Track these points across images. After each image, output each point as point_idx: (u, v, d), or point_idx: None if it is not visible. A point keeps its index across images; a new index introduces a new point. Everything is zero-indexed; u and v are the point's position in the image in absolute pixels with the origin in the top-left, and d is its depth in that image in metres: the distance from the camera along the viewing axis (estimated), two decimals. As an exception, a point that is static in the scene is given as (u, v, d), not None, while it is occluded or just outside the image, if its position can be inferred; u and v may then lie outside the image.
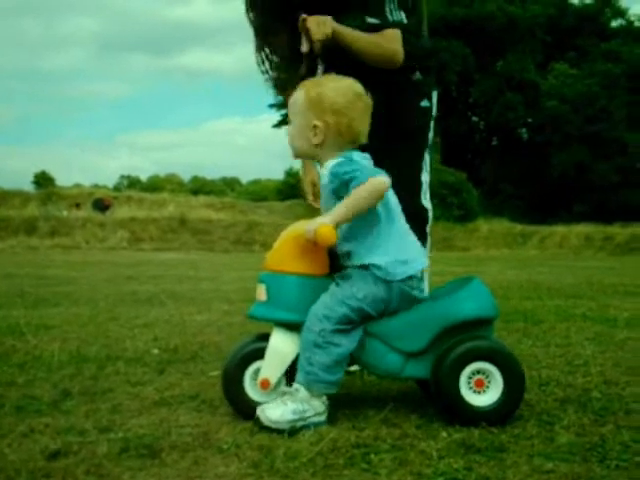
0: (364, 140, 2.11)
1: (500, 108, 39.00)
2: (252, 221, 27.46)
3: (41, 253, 18.76)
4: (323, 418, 1.95)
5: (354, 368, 2.44)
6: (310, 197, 2.77)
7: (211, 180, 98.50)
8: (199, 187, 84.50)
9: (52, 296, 5.95)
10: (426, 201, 2.71)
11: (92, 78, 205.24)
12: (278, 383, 2.04)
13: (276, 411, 1.90)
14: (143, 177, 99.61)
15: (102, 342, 3.42)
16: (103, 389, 2.42)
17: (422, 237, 2.71)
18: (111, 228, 24.36)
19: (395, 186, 2.65)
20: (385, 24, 2.48)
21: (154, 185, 78.14)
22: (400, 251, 2.04)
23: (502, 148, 42.54)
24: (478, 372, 1.96)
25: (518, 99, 38.84)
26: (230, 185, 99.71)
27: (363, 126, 2.08)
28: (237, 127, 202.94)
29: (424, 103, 2.69)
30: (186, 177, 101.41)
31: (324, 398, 1.97)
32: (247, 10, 2.71)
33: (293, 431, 1.88)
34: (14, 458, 1.66)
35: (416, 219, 2.69)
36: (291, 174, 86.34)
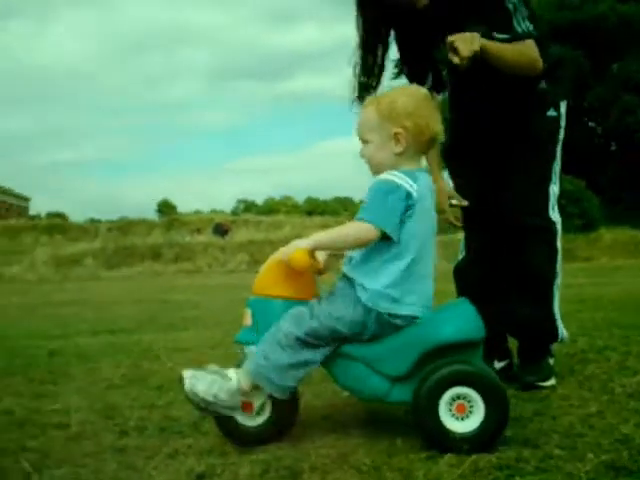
0: (442, 138, 2.08)
1: (618, 112, 37.31)
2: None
3: (166, 278, 19.55)
4: (232, 413, 1.97)
5: None
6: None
7: (324, 201, 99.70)
8: (313, 208, 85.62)
9: (180, 320, 6.17)
10: (554, 214, 2.63)
11: (205, 107, 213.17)
12: (260, 406, 2.05)
13: (201, 386, 1.94)
14: (259, 200, 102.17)
15: (234, 365, 3.50)
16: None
17: (552, 251, 2.63)
18: (231, 251, 25.06)
19: (523, 199, 2.60)
20: (516, 37, 2.44)
21: (270, 208, 79.91)
22: (397, 287, 1.96)
23: (621, 153, 40.61)
24: (459, 397, 1.89)
25: (637, 102, 37.03)
26: (343, 205, 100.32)
27: (439, 124, 2.05)
28: (347, 147, 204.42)
29: (550, 112, 2.62)
30: (300, 199, 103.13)
31: (244, 398, 1.98)
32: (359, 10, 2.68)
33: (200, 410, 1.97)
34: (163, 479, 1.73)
35: (545, 233, 2.62)
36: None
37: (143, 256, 23.56)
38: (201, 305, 8.30)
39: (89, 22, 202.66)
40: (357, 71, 2.71)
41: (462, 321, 2.00)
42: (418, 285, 2.00)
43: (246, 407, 2.03)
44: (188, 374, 1.98)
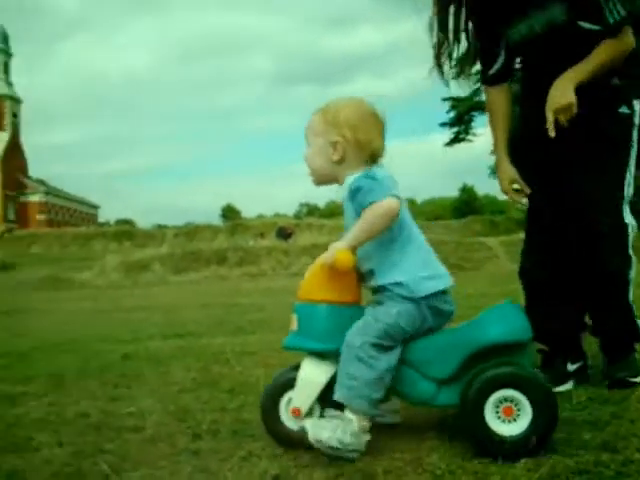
0: (382, 155, 2.10)
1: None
2: (430, 240, 27.01)
3: (231, 282, 19.79)
4: (356, 456, 1.89)
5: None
6: (512, 197, 2.70)
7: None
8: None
9: (247, 323, 6.23)
10: (628, 216, 2.54)
11: (265, 112, 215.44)
12: (309, 411, 2.03)
13: (325, 432, 1.89)
14: (321, 204, 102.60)
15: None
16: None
17: (624, 256, 2.53)
18: (294, 255, 25.20)
19: (595, 200, 2.51)
20: (608, 29, 2.38)
21: (332, 211, 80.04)
22: (423, 267, 2.01)
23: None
24: (506, 400, 1.86)
25: None
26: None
27: (380, 141, 2.09)
28: (408, 148, 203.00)
29: (623, 109, 2.53)
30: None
31: (368, 437, 1.93)
32: None
33: (328, 457, 1.88)
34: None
35: (619, 234, 2.52)
36: (465, 190, 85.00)
37: (209, 261, 23.92)
38: (266, 308, 8.37)
39: (152, 31, 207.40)
40: (434, 33, 2.68)
41: (508, 322, 1.98)
42: (433, 258, 2.08)
43: (295, 412, 2.04)
44: (309, 423, 1.96)
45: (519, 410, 1.86)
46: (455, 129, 35.83)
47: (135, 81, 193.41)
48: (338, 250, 1.95)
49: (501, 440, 1.83)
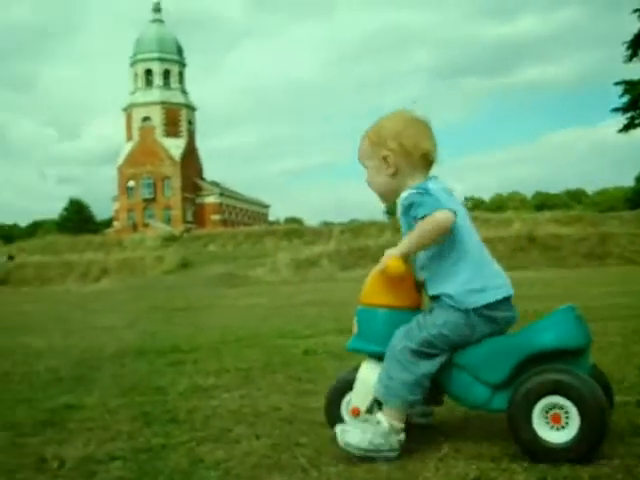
0: (434, 158, 2.15)
1: None
2: (604, 233, 25.73)
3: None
4: (394, 454, 1.96)
5: None
6: None
7: (555, 194, 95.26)
8: (542, 202, 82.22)
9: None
10: None
11: (428, 107, 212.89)
12: (369, 410, 2.10)
13: (355, 437, 1.97)
14: (486, 197, 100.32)
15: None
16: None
17: None
18: (460, 250, 24.82)
19: None
20: None
21: (497, 204, 78.12)
22: (474, 280, 2.01)
23: None
24: (555, 407, 1.84)
25: None
26: (575, 197, 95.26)
27: (429, 142, 2.14)
28: (577, 136, 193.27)
29: None
30: (528, 193, 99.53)
31: (402, 436, 1.99)
32: None
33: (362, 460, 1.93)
34: (438, 483, 1.73)
35: None
36: (641, 180, 79.40)
37: (374, 257, 24.06)
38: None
39: (314, 35, 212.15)
40: None
41: (563, 329, 1.96)
42: (490, 270, 2.07)
43: (354, 412, 2.13)
44: (339, 428, 2.04)
45: (567, 417, 1.83)
46: (629, 114, 33.62)
47: (300, 84, 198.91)
48: (389, 257, 2.02)
49: (548, 446, 1.82)
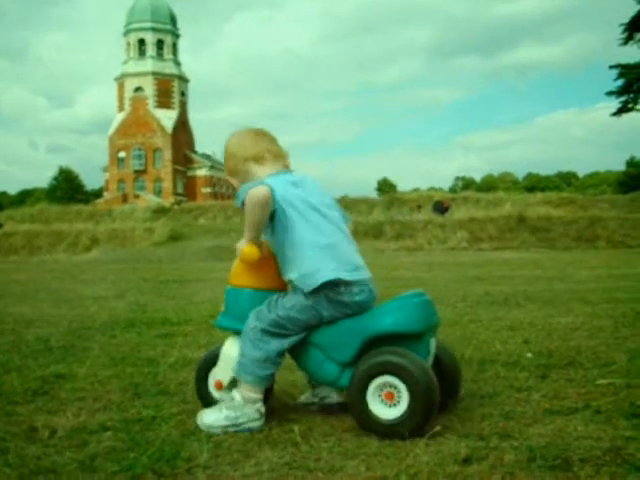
0: (270, 154, 2.35)
1: None
2: (594, 216, 25.87)
3: (388, 255, 19.88)
4: (257, 424, 2.10)
5: None
6: None
7: (546, 176, 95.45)
8: (534, 184, 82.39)
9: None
10: None
11: (424, 86, 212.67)
12: (231, 383, 2.23)
13: (210, 416, 2.11)
14: (477, 177, 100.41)
15: (474, 344, 3.46)
16: (489, 393, 2.44)
17: None
18: (451, 229, 24.88)
19: None
20: None
21: (488, 185, 78.23)
22: (304, 265, 2.13)
23: None
24: (389, 386, 1.98)
25: None
26: (566, 180, 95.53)
27: (255, 148, 2.34)
28: (571, 119, 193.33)
29: None
30: (520, 175, 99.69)
31: (259, 405, 2.13)
32: None
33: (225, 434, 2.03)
34: (427, 460, 1.74)
35: None
36: (633, 164, 79.55)
37: (366, 233, 24.15)
38: (427, 282, 8.33)
39: (311, 9, 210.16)
40: None
41: (402, 314, 2.08)
42: (331, 254, 2.14)
43: (217, 385, 2.29)
44: (198, 414, 2.16)
45: (399, 396, 1.97)
46: (623, 98, 33.61)
47: (296, 58, 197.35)
48: (244, 244, 2.17)
49: (379, 422, 1.97)
